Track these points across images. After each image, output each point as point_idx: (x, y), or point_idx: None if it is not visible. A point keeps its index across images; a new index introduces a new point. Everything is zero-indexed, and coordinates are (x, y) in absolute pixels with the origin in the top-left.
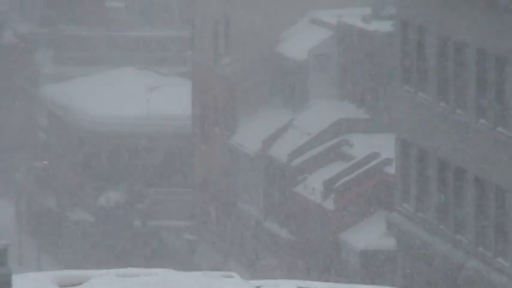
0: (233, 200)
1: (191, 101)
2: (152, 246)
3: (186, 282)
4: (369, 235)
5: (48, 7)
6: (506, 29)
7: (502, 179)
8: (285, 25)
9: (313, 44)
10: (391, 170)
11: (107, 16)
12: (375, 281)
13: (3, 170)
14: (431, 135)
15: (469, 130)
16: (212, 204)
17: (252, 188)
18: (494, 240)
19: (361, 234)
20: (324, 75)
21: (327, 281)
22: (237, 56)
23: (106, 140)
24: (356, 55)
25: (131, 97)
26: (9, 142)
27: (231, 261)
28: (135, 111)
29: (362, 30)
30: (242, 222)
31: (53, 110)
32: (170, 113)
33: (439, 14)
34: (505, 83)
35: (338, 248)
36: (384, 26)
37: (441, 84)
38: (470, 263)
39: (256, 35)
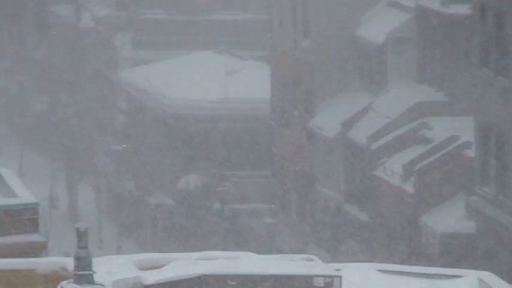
0: (312, 183)
1: (270, 85)
2: (232, 230)
3: (265, 266)
4: (449, 218)
5: None
6: None
7: None
8: (363, 8)
9: (392, 27)
10: (471, 153)
11: None
12: (454, 264)
13: (83, 153)
14: (510, 117)
15: None
16: (291, 188)
17: (331, 171)
18: None
19: (440, 217)
20: (402, 58)
21: (406, 264)
22: (316, 40)
23: (185, 123)
24: (434, 38)
25: (210, 81)
26: (88, 126)
27: (311, 245)
28: (214, 94)
29: (440, 13)
30: (322, 206)
31: (132, 94)
32: (249, 97)
33: None
34: None
35: (418, 231)
36: (463, 9)
37: None
38: None
39: (334, 18)
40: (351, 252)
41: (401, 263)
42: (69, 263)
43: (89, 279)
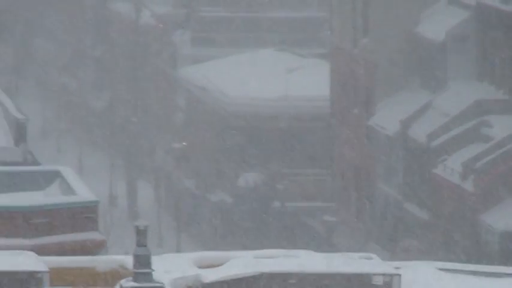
0: (372, 181)
1: (330, 83)
2: (291, 228)
3: (325, 264)
4: (509, 216)
5: None
6: None
7: None
8: (423, 6)
9: (452, 24)
10: None
11: None
12: None
13: (143, 151)
14: None
15: None
16: (351, 186)
17: (391, 169)
18: None
19: (501, 216)
20: (462, 56)
21: (466, 262)
22: (376, 37)
23: (245, 121)
24: (495, 36)
25: (270, 78)
26: (148, 123)
27: (370, 243)
28: (273, 92)
29: (500, 10)
30: (381, 204)
31: (191, 91)
32: (309, 94)
33: None
34: None
35: (477, 229)
36: None
37: None
38: None
39: (394, 16)
40: (410, 250)
41: (461, 261)
42: (129, 261)
43: (148, 278)
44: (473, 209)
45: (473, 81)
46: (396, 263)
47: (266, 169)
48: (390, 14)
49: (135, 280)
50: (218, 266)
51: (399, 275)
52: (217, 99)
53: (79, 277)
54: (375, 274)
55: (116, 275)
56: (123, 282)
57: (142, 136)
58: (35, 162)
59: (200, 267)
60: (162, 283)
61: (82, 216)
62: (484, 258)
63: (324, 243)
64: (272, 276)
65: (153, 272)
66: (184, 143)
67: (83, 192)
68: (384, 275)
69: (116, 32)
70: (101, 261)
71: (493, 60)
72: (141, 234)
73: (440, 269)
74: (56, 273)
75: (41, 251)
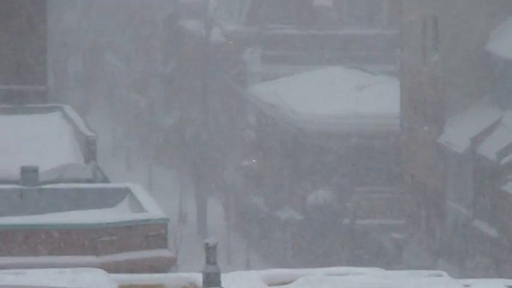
0: (441, 199)
1: (400, 100)
2: (360, 245)
3: (394, 282)
4: None
5: (255, 5)
6: None
7: None
8: (494, 23)
9: None
10: None
11: (315, 14)
12: None
13: (213, 168)
14: None
15: None
16: (420, 203)
17: (460, 187)
18: None
19: None
20: None
21: None
22: (446, 55)
23: (315, 138)
24: None
25: (340, 96)
26: (219, 141)
27: (440, 260)
28: (343, 110)
29: None
30: (450, 221)
31: (261, 109)
32: (378, 112)
33: None
34: None
35: None
36: None
37: None
38: None
39: (464, 33)
40: (480, 267)
41: None
42: (198, 278)
43: None
44: None
45: None
46: (466, 281)
47: (336, 186)
48: (460, 32)
49: None
50: (288, 283)
51: None
52: (287, 117)
53: None
54: None
55: None
56: None
57: (212, 153)
58: (105, 180)
59: (270, 284)
60: None
61: (152, 233)
62: None
63: (394, 261)
64: None
65: None
66: (254, 160)
67: (153, 210)
68: None
69: (186, 49)
70: (170, 279)
71: None
72: (210, 251)
73: (510, 287)
74: None
75: (110, 268)
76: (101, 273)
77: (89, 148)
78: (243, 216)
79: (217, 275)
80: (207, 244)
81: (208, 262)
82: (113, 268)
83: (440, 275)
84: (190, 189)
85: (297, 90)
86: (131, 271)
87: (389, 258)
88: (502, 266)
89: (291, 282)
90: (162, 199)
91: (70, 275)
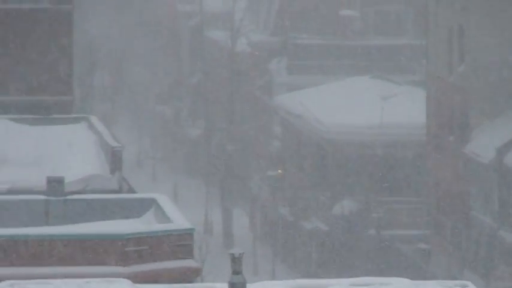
0: (467, 209)
1: (425, 110)
2: (386, 255)
3: None
4: None
5: (281, 15)
6: None
7: None
8: None
9: None
10: None
11: (341, 25)
12: None
13: (239, 178)
14: None
15: None
16: (446, 213)
17: (486, 197)
18: None
19: None
20: None
21: None
22: (471, 64)
23: (340, 148)
24: None
25: (365, 106)
26: (244, 151)
27: (465, 270)
28: (369, 120)
29: None
30: (476, 231)
31: (287, 119)
32: (404, 122)
33: None
34: None
35: None
36: None
37: None
38: None
39: (490, 43)
40: (506, 277)
41: None
42: None
43: None
44: None
45: None
46: None
47: (361, 196)
48: (486, 41)
49: None
50: None
51: None
52: (313, 127)
53: None
54: None
55: None
56: None
57: (238, 164)
58: (131, 190)
59: None
60: None
61: (177, 243)
62: None
63: (419, 271)
64: None
65: None
66: (279, 171)
67: (179, 220)
68: None
69: (212, 59)
70: None
71: None
72: (236, 261)
73: None
74: None
75: (136, 278)
76: (127, 283)
77: (114, 159)
78: (268, 227)
79: (243, 285)
80: (232, 254)
81: (234, 272)
82: (138, 278)
83: (465, 286)
84: (216, 200)
85: (323, 100)
86: (157, 281)
87: (415, 269)
88: None
89: None
90: (188, 209)
91: (96, 285)
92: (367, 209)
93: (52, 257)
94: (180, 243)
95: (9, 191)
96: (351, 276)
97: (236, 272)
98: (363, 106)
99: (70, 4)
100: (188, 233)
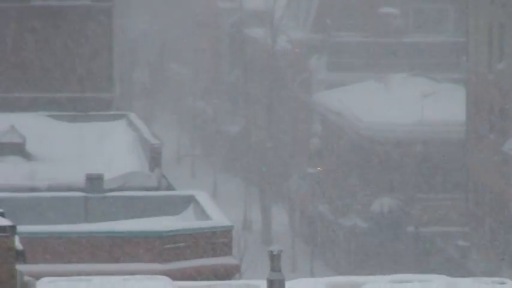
0: (506, 206)
1: (465, 107)
2: (425, 252)
3: None
4: None
5: (321, 13)
6: None
7: None
8: None
9: None
10: None
11: (381, 22)
12: None
13: (278, 176)
14: None
15: None
16: (484, 210)
17: None
18: None
19: None
20: None
21: None
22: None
23: (380, 146)
24: None
25: (405, 103)
26: (284, 148)
27: (504, 267)
28: (409, 117)
29: None
30: None
31: (326, 116)
32: (444, 119)
33: None
34: None
35: None
36: None
37: None
38: None
39: None
40: None
41: None
42: (263, 285)
43: None
44: None
45: None
46: None
47: (400, 194)
48: None
49: None
50: None
51: None
52: (353, 124)
53: None
54: None
55: None
56: None
57: (277, 161)
58: (170, 187)
59: None
60: None
61: (216, 241)
62: None
63: (458, 268)
64: None
65: None
66: (318, 168)
67: (218, 217)
68: None
69: (252, 57)
70: (234, 286)
71: None
72: (275, 259)
73: None
74: None
75: (175, 275)
76: (165, 280)
77: (153, 156)
78: (307, 224)
79: (281, 282)
80: (271, 252)
81: (272, 269)
82: (177, 275)
83: (504, 283)
84: (255, 197)
85: (362, 97)
86: (195, 278)
87: (453, 266)
88: None
89: None
90: (227, 207)
91: (135, 283)
92: (406, 206)
93: (90, 254)
94: (219, 240)
95: (49, 188)
96: (390, 274)
97: (274, 269)
98: (403, 103)
99: (110, 1)
100: (227, 230)
